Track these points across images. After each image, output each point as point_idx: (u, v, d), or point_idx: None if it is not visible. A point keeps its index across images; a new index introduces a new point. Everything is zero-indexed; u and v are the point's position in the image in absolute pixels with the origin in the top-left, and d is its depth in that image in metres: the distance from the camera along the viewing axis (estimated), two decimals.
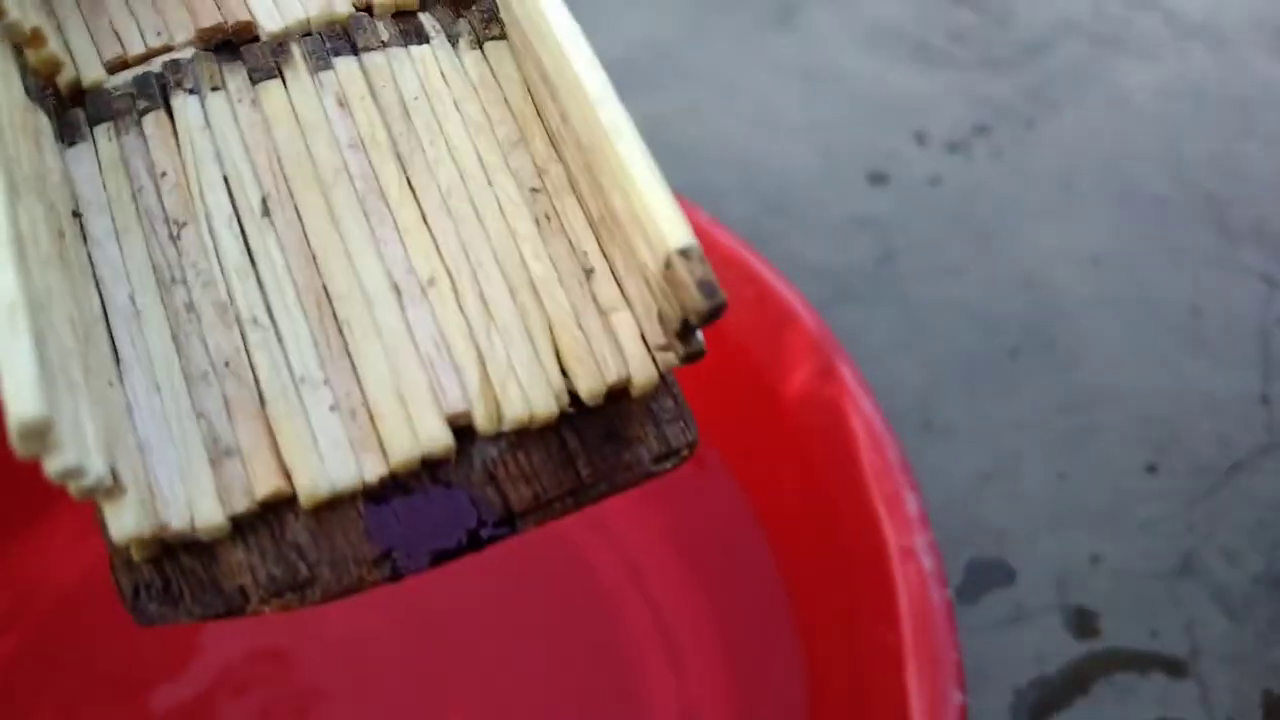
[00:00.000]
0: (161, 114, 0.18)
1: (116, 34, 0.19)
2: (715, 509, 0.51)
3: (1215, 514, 0.63)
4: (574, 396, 0.18)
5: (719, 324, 0.49)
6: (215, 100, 0.18)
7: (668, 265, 0.17)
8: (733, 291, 0.49)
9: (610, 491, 0.18)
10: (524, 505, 0.17)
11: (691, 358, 0.19)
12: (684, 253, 0.18)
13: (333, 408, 0.16)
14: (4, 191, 0.13)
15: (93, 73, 0.19)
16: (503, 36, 0.19)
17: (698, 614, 0.51)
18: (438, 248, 0.18)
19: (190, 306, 0.16)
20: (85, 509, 0.16)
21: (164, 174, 0.17)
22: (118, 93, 0.18)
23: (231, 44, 0.19)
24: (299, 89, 0.18)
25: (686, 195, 0.76)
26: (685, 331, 0.19)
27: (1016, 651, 0.57)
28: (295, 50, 0.18)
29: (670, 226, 0.18)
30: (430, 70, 0.19)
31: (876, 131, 0.81)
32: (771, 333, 0.45)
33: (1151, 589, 0.60)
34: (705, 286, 0.18)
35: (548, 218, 0.18)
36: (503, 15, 0.20)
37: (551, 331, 0.17)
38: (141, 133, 0.17)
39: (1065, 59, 0.86)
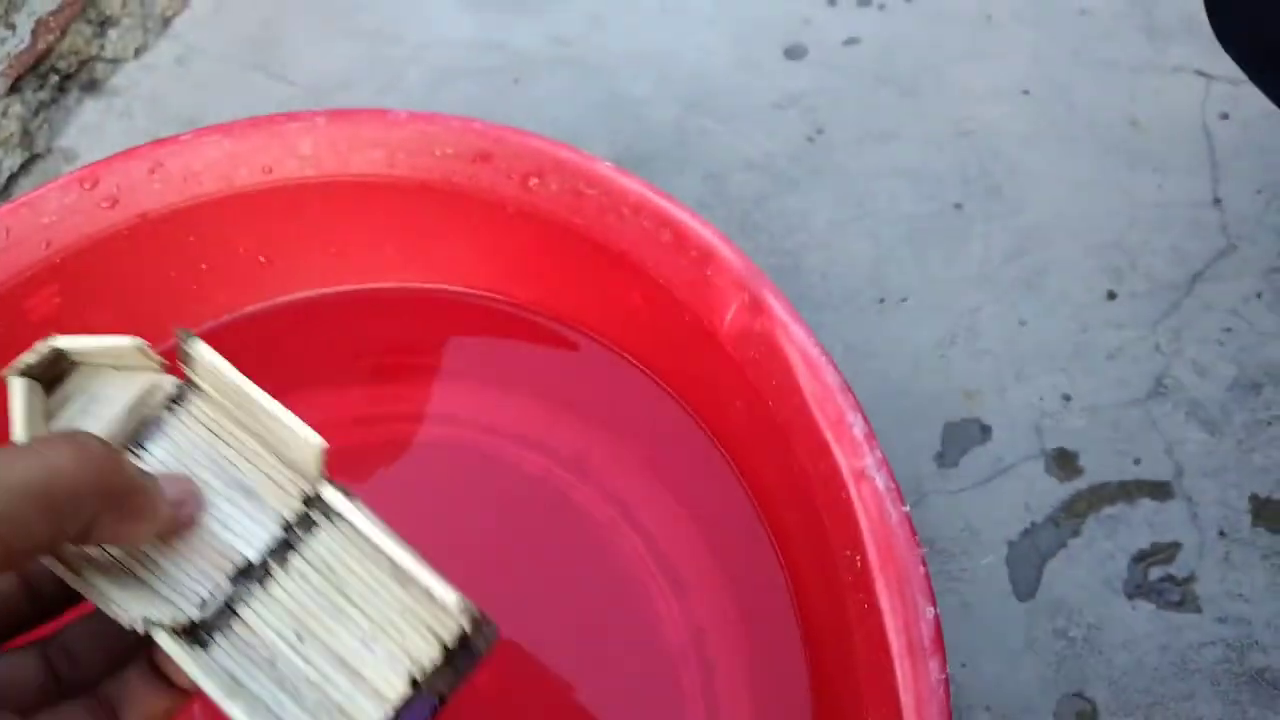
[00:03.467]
0: (236, 620, 0.30)
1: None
2: (686, 444, 0.52)
3: (1181, 330, 0.63)
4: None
5: (648, 271, 0.49)
6: (249, 601, 0.31)
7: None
8: (651, 238, 0.48)
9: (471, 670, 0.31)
10: (448, 689, 0.31)
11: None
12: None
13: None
14: None
15: (194, 615, 0.30)
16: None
17: (689, 540, 0.53)
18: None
19: (279, 677, 0.30)
20: None
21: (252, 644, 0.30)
22: (212, 617, 0.30)
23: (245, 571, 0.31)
24: (281, 580, 0.31)
25: (605, 110, 0.75)
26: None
27: (1003, 505, 0.59)
28: (272, 563, 0.31)
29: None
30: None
31: (785, 2, 0.79)
32: (695, 273, 0.45)
33: (1127, 417, 0.61)
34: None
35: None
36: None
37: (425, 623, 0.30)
38: (230, 631, 0.30)
39: None
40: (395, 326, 0.58)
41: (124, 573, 0.29)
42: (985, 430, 0.61)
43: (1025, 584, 0.57)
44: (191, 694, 0.28)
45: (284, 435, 0.31)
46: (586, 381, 0.56)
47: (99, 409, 0.31)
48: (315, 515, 0.31)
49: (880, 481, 0.39)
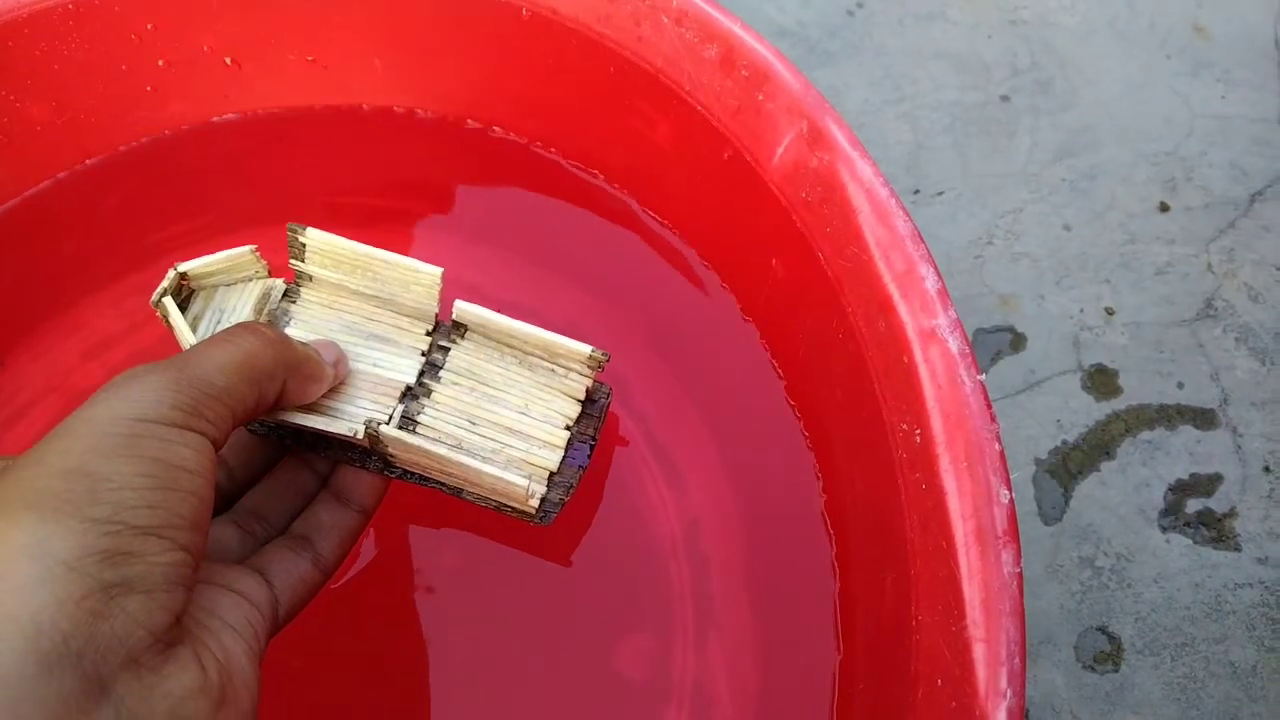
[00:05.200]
0: (419, 425, 0.36)
1: None
2: (699, 312, 0.45)
3: (1235, 250, 0.58)
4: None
5: (684, 95, 0.42)
6: (422, 412, 0.36)
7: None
8: (693, 53, 0.42)
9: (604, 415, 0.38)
10: (593, 432, 0.37)
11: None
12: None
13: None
14: None
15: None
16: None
17: (691, 425, 0.46)
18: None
19: (473, 449, 0.36)
20: None
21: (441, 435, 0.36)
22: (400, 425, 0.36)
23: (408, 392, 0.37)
24: (439, 390, 0.37)
25: None
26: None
27: (1034, 420, 0.53)
28: (427, 381, 0.37)
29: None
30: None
31: None
32: (744, 97, 0.38)
33: (1172, 338, 0.55)
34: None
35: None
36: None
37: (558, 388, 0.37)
38: (418, 431, 0.36)
39: None
40: (377, 158, 0.51)
41: (324, 414, 0.35)
42: (1019, 339, 0.55)
43: (1052, 506, 0.51)
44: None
45: (404, 277, 0.36)
46: (587, 236, 0.49)
47: (229, 318, 0.36)
48: (442, 341, 0.37)
49: (954, 344, 0.33)
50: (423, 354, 0.37)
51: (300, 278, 0.37)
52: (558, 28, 0.43)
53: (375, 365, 0.36)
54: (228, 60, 0.49)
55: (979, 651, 0.30)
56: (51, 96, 0.48)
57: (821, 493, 0.41)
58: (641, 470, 0.46)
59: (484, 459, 0.35)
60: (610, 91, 0.44)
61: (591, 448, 0.37)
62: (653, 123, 0.43)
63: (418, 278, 0.36)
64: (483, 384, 0.37)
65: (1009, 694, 0.29)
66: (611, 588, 0.43)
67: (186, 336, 0.34)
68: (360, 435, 0.33)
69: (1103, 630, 0.49)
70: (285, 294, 0.37)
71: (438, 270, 0.35)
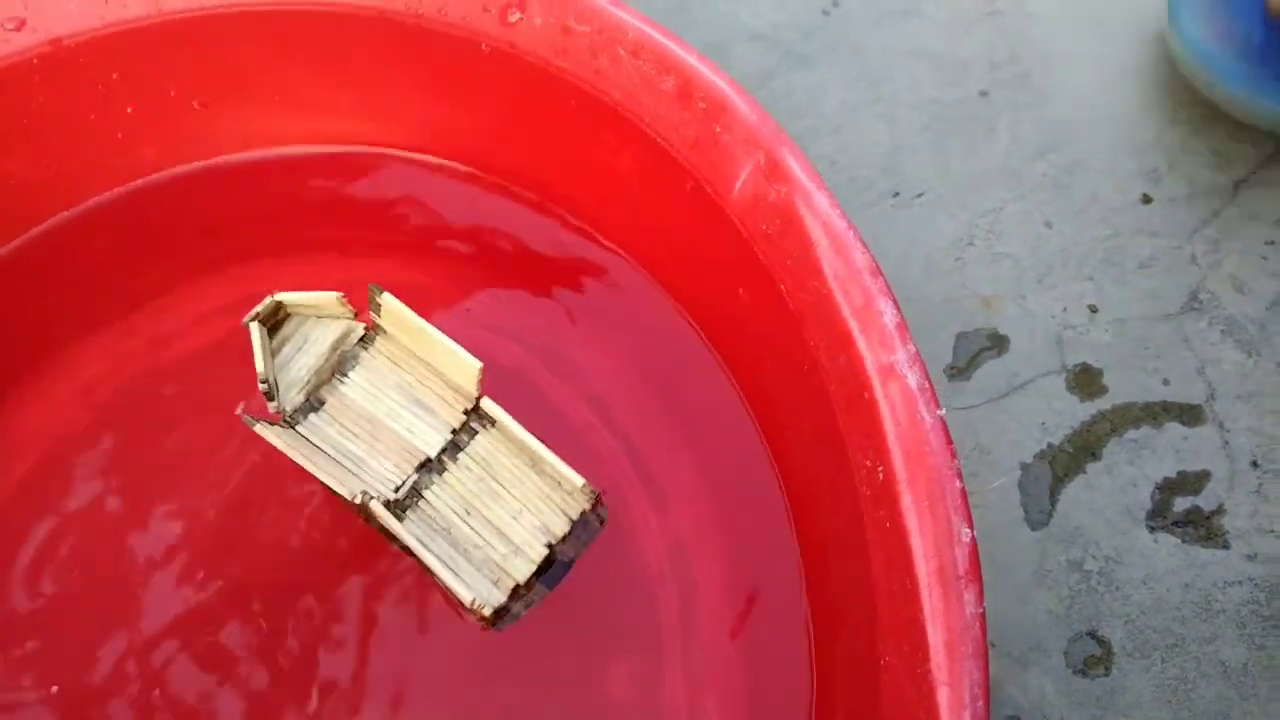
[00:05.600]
0: (421, 500, 0.40)
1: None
2: (673, 343, 0.46)
3: (1220, 240, 0.57)
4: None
5: (644, 127, 0.42)
6: (429, 487, 0.40)
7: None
8: (650, 86, 0.41)
9: (591, 539, 0.41)
10: (574, 554, 0.39)
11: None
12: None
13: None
14: None
15: (390, 495, 0.40)
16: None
17: (673, 448, 0.47)
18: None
19: (454, 540, 0.39)
20: None
21: (433, 517, 0.40)
22: (404, 497, 0.40)
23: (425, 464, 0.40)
24: (451, 470, 0.40)
25: None
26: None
27: (1019, 424, 0.53)
28: (444, 459, 0.40)
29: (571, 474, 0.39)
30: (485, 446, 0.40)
31: None
32: (702, 129, 0.38)
33: (1157, 333, 0.55)
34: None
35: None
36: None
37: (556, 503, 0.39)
38: (417, 507, 0.40)
39: None
40: (353, 196, 0.51)
41: (342, 468, 0.39)
42: (1002, 341, 0.55)
43: (1039, 511, 0.51)
44: None
45: (450, 360, 0.39)
46: (564, 268, 0.49)
47: (310, 346, 0.41)
48: (474, 423, 0.40)
49: (912, 380, 0.33)
50: (453, 431, 0.40)
51: (378, 328, 0.42)
52: (516, 62, 0.43)
53: (409, 430, 0.40)
54: (196, 105, 0.49)
55: (943, 695, 0.30)
56: (23, 151, 0.48)
57: (793, 527, 0.42)
58: (626, 491, 0.46)
59: (456, 555, 0.38)
60: (574, 125, 0.43)
61: (566, 568, 0.40)
62: (616, 154, 0.43)
63: (458, 362, 0.39)
64: (491, 476, 0.39)
65: None
66: (601, 610, 0.44)
67: (262, 358, 0.39)
68: (357, 501, 0.36)
69: (1092, 635, 0.49)
70: (362, 339, 0.42)
71: (477, 364, 0.38)
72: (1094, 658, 0.49)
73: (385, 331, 0.42)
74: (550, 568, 0.39)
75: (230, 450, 0.46)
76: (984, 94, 0.62)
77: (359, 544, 0.44)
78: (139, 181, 0.51)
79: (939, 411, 0.33)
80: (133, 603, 0.42)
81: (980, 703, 0.29)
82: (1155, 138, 0.60)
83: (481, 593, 0.37)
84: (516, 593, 0.38)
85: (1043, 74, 0.62)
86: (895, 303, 0.34)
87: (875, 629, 0.33)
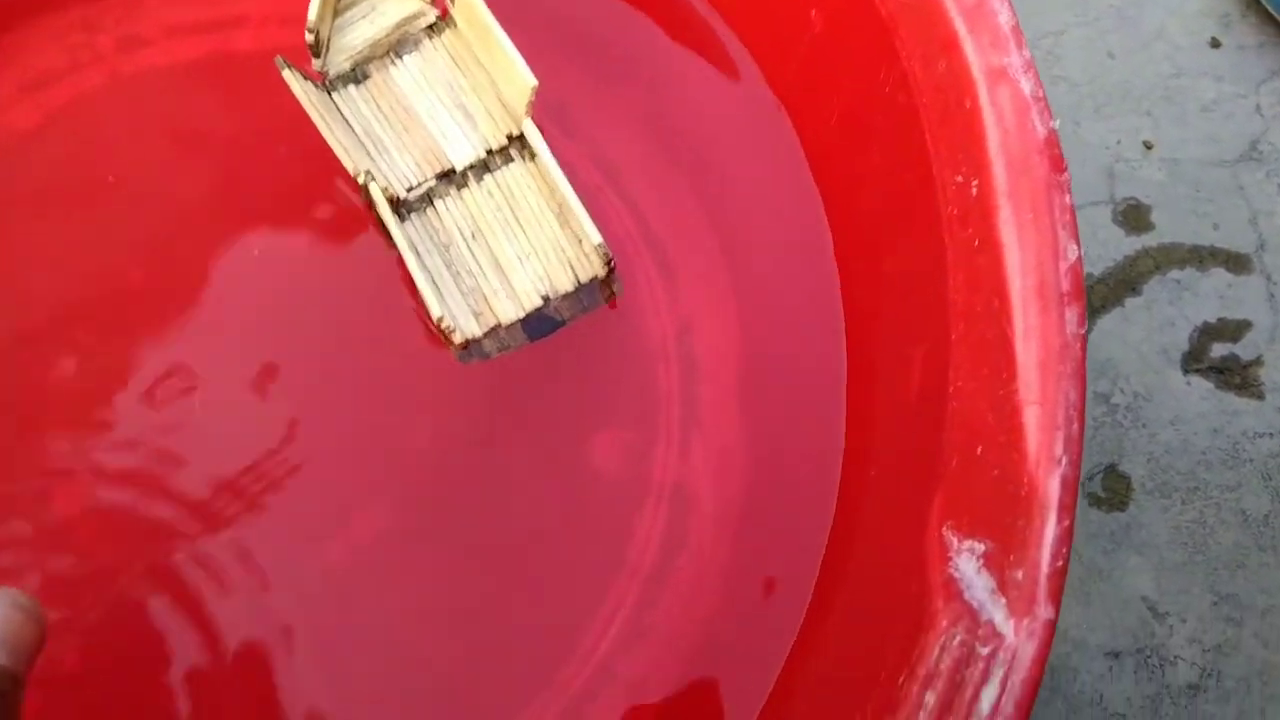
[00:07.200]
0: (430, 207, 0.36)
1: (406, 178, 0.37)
2: (711, 90, 0.41)
3: None
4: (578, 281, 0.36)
5: None
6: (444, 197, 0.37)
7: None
8: None
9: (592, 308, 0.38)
10: (568, 316, 0.37)
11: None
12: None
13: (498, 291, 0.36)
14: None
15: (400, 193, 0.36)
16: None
17: (689, 214, 0.42)
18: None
19: (449, 259, 0.36)
20: None
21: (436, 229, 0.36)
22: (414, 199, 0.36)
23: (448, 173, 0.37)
24: (472, 189, 0.37)
25: None
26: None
27: None
28: (469, 175, 0.37)
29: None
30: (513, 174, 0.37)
31: None
32: None
33: (1212, 178, 0.52)
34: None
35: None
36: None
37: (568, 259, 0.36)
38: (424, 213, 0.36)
39: None
40: None
41: (361, 148, 0.37)
42: None
43: None
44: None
45: (506, 69, 0.36)
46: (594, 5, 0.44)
47: (375, 17, 0.38)
48: (513, 151, 0.37)
49: (1026, 86, 0.29)
50: (488, 151, 0.37)
51: (450, 19, 0.38)
52: None
53: (442, 134, 0.37)
54: None
55: (1031, 415, 0.26)
56: None
57: (838, 276, 0.38)
58: (634, 262, 0.42)
59: (446, 274, 0.36)
60: None
61: (556, 327, 0.37)
62: None
63: (514, 74, 0.35)
64: (512, 210, 0.37)
65: (1064, 461, 0.26)
66: (593, 381, 0.40)
67: (319, 6, 0.36)
68: (360, 179, 0.35)
69: (1113, 469, 0.47)
70: (431, 27, 0.38)
71: (532, 80, 0.34)
72: (1113, 491, 0.46)
73: (455, 25, 0.38)
74: (538, 320, 0.36)
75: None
76: None
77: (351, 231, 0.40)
78: None
79: (1052, 124, 0.29)
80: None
81: (1075, 426, 0.26)
82: None
83: (458, 319, 0.35)
84: (494, 331, 0.35)
85: None
86: (1011, 4, 0.30)
87: (946, 357, 0.29)
